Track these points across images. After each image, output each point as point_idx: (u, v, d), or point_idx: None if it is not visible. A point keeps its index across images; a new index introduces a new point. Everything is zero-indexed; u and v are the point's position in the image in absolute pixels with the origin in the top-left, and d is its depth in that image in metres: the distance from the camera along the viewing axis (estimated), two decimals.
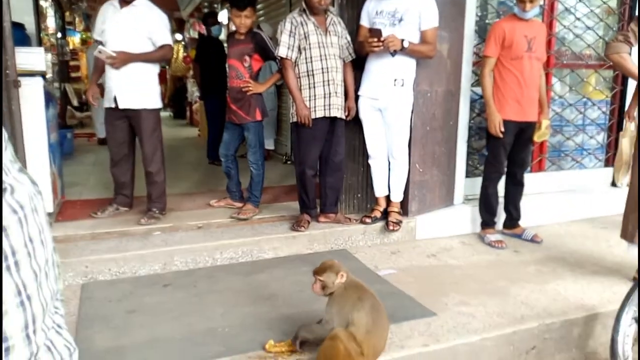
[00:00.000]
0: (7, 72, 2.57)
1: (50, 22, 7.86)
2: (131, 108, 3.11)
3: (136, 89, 3.09)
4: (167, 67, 12.34)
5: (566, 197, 3.96)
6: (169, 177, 3.47)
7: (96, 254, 2.75)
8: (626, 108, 3.63)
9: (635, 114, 3.18)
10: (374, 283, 2.69)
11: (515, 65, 3.20)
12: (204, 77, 5.23)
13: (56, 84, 7.81)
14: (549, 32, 3.86)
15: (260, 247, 3.05)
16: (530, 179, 3.72)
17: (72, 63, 9.68)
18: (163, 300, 2.49)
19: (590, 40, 4.13)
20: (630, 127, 3.33)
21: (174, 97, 11.24)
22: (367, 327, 1.84)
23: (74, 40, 10.52)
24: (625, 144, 3.44)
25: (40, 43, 6.06)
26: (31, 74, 2.90)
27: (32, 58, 2.91)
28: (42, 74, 3.02)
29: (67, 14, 10.02)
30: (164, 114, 12.35)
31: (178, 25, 12.93)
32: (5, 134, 0.74)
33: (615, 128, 4.28)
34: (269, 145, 5.38)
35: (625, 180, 3.54)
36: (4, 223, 0.71)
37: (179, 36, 12.39)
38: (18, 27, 4.67)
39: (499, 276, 2.86)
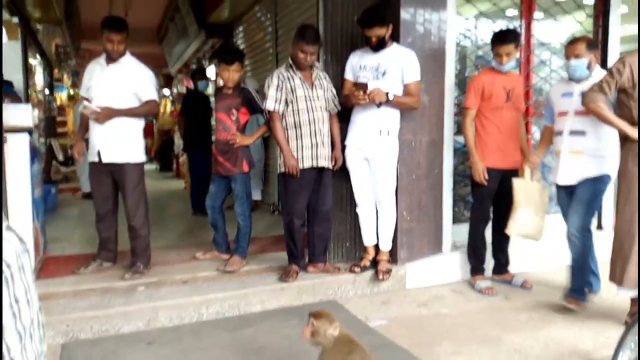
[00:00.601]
0: None
1: (39, 79, 7.97)
2: (115, 162, 3.11)
3: (120, 143, 3.10)
4: (154, 120, 12.49)
5: (553, 242, 3.97)
6: (154, 230, 3.43)
7: (78, 312, 2.66)
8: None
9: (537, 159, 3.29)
10: (365, 334, 2.63)
11: (495, 115, 3.30)
12: (189, 130, 5.28)
13: (42, 139, 7.82)
14: (526, 83, 4.01)
15: (248, 301, 2.98)
16: None
17: (59, 119, 9.73)
18: (146, 358, 2.40)
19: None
20: (527, 172, 3.22)
21: (161, 150, 11.29)
22: None
23: (62, 96, 10.62)
24: (518, 189, 3.19)
25: (28, 99, 6.12)
26: (17, 130, 2.90)
27: (19, 114, 2.93)
28: (29, 130, 3.02)
29: (56, 70, 10.19)
30: (151, 167, 12.37)
31: (166, 81, 13.21)
32: None
33: None
34: (256, 195, 5.37)
35: (516, 229, 3.20)
36: None
37: (166, 91, 12.63)
38: (7, 84, 4.74)
39: (491, 324, 2.82)
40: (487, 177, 3.26)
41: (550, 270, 3.78)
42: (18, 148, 2.91)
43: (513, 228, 3.20)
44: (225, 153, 3.32)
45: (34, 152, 3.19)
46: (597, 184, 2.97)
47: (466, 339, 2.63)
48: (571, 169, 3.01)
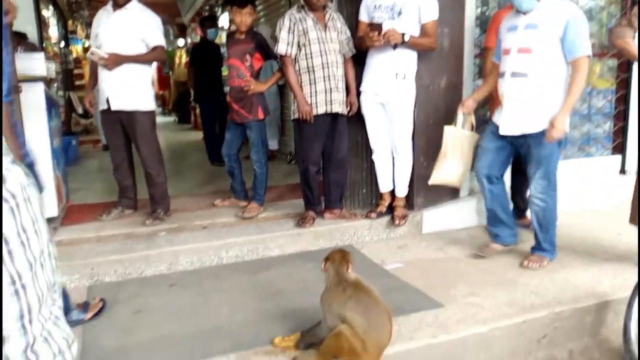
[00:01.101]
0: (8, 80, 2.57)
1: (53, 32, 7.92)
2: (124, 110, 3.11)
3: (128, 90, 3.09)
4: (170, 72, 12.41)
5: (573, 186, 3.90)
6: (174, 180, 3.48)
7: (102, 256, 2.75)
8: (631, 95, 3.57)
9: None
10: (380, 277, 2.68)
11: None
12: (199, 80, 5.24)
13: (61, 92, 7.86)
14: None
15: (266, 245, 3.04)
16: None
17: (76, 71, 9.73)
18: (169, 300, 2.48)
19: (593, 29, 4.08)
20: (459, 117, 2.93)
21: (178, 102, 11.28)
22: (363, 327, 1.81)
23: (77, 48, 10.57)
24: (447, 136, 2.94)
25: (43, 52, 6.11)
26: (32, 79, 2.90)
27: (33, 63, 2.92)
28: (43, 80, 3.02)
29: (70, 22, 10.09)
30: (169, 119, 12.41)
31: (180, 30, 12.99)
32: None
33: (621, 116, 4.23)
34: (273, 145, 5.37)
35: (438, 178, 2.96)
36: None
37: (181, 42, 12.45)
38: (20, 36, 4.70)
39: (507, 267, 2.83)
40: None
41: (569, 214, 3.73)
42: (34, 97, 2.92)
43: (435, 178, 2.97)
44: (239, 100, 3.29)
45: (50, 103, 3.21)
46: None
47: (482, 281, 2.64)
48: (514, 118, 2.67)
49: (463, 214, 3.56)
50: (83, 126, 8.10)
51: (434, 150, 3.38)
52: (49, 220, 3.07)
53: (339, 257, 1.97)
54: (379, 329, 1.84)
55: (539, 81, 2.60)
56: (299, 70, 3.07)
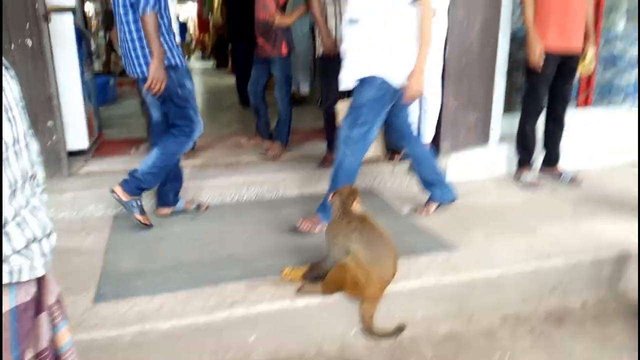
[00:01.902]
0: (36, 6, 2.61)
1: None
2: None
3: None
4: (210, 15, 12.28)
5: (613, 138, 3.69)
6: (204, 120, 3.50)
7: None
8: None
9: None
10: (396, 220, 2.67)
11: None
12: (232, 19, 5.15)
13: (101, 33, 7.96)
14: None
15: (286, 185, 3.06)
16: (575, 115, 3.49)
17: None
18: (190, 230, 2.57)
19: None
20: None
21: (217, 46, 11.22)
22: (366, 259, 1.82)
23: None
24: (340, 112, 2.67)
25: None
26: (61, 9, 2.94)
27: None
28: (72, 10, 3.05)
29: None
30: (208, 63, 12.43)
31: None
32: None
33: None
34: (304, 88, 5.30)
35: None
36: None
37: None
38: None
39: (531, 215, 2.75)
40: (544, 59, 2.98)
41: (605, 168, 3.56)
42: (63, 27, 2.97)
43: None
44: (264, 34, 3.24)
45: (79, 34, 3.25)
46: (366, 87, 2.31)
47: (502, 227, 2.59)
48: (347, 68, 2.38)
49: (491, 161, 3.45)
50: (122, 67, 8.22)
51: (465, 92, 3.27)
52: (81, 153, 3.20)
53: (347, 191, 1.97)
54: (383, 263, 1.85)
55: (372, 29, 2.27)
56: (324, 2, 2.96)
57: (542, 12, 2.99)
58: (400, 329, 1.93)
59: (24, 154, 0.83)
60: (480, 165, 3.41)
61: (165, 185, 2.65)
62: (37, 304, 0.90)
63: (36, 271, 0.86)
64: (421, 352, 1.86)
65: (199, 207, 2.77)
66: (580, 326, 2.03)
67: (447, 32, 3.01)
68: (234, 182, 2.99)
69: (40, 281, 0.90)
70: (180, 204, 2.73)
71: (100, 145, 3.65)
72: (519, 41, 3.51)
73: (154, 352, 1.74)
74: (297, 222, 2.51)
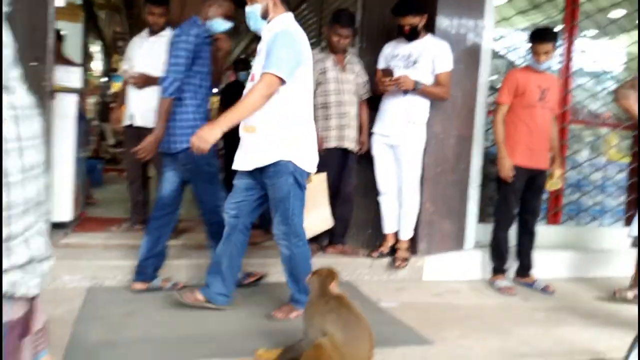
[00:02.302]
0: (45, 83, 2.79)
1: (97, 66, 8.46)
2: (146, 127, 3.29)
3: (153, 108, 3.27)
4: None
5: (582, 254, 3.86)
6: (186, 206, 3.58)
7: (105, 261, 2.83)
8: None
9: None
10: (374, 312, 2.67)
11: (527, 114, 3.28)
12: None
13: (96, 122, 8.27)
14: (565, 88, 3.96)
15: (267, 270, 3.07)
16: (545, 232, 3.69)
17: (112, 105, 10.23)
18: (163, 307, 2.52)
19: (609, 99, 4.20)
20: None
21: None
22: (342, 341, 1.81)
23: (118, 84, 11.19)
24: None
25: (86, 84, 6.51)
26: (67, 90, 3.13)
27: (70, 76, 3.17)
28: (77, 92, 3.25)
29: (115, 56, 10.73)
30: None
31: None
32: (9, 37, 0.84)
33: (635, 188, 4.24)
34: None
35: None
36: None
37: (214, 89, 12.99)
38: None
39: (504, 318, 2.78)
40: (513, 174, 3.23)
41: (576, 280, 3.68)
42: (66, 107, 3.14)
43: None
44: None
45: (81, 116, 3.43)
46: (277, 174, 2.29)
47: (476, 327, 2.61)
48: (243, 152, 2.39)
49: (466, 266, 3.54)
50: (112, 154, 8.43)
51: (441, 197, 3.46)
52: (62, 225, 3.20)
53: (325, 272, 2.02)
54: (359, 346, 1.84)
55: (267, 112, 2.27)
56: (315, 105, 3.23)
57: (511, 132, 3.30)
58: None
59: (40, 181, 0.90)
60: (455, 269, 3.50)
61: (147, 260, 2.65)
62: (25, 325, 0.91)
63: (31, 289, 0.88)
64: None
65: (174, 285, 2.74)
66: None
67: (426, 142, 3.27)
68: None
69: (31, 303, 0.92)
70: (157, 281, 2.71)
71: (82, 221, 3.65)
72: (491, 157, 3.81)
73: None
74: (273, 312, 2.50)
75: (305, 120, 2.38)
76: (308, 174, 2.41)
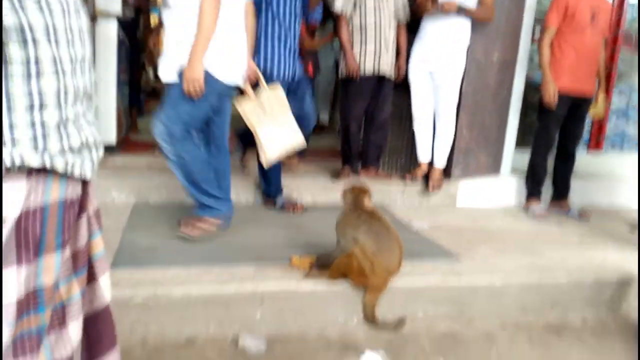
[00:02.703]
0: (86, 7, 2.85)
1: None
2: None
3: None
4: None
5: (621, 182, 3.76)
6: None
7: (149, 180, 2.98)
8: None
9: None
10: (405, 232, 2.73)
11: (576, 37, 3.12)
12: None
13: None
14: (619, 11, 3.71)
15: (300, 192, 3.16)
16: (585, 159, 3.60)
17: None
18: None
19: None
20: (249, 90, 2.49)
21: None
22: (373, 249, 1.90)
23: (155, 17, 11.15)
24: (246, 114, 2.48)
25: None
26: (108, 15, 3.18)
27: (111, 1, 3.20)
28: (117, 17, 3.29)
29: None
30: None
31: None
32: None
33: None
34: (324, 116, 5.50)
35: (271, 154, 2.52)
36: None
37: None
38: None
39: (537, 241, 2.81)
40: (557, 100, 3.13)
41: (614, 209, 3.62)
42: (107, 32, 3.20)
43: (266, 157, 2.55)
44: None
45: (121, 41, 3.49)
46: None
47: (506, 248, 2.65)
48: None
49: (501, 192, 3.53)
50: (152, 87, 8.56)
51: (479, 125, 3.41)
52: (107, 148, 3.37)
53: (358, 188, 2.08)
54: (389, 255, 1.93)
55: (171, 29, 2.19)
56: (352, 28, 3.17)
57: (558, 56, 3.16)
58: (401, 323, 1.98)
59: (88, 74, 0.96)
60: (490, 194, 3.50)
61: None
62: (81, 206, 1.01)
63: (86, 172, 0.97)
64: (419, 344, 1.90)
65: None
66: (578, 338, 2.05)
67: (465, 69, 3.18)
68: (248, 184, 3.11)
69: (84, 187, 1.01)
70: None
71: (126, 144, 3.82)
72: (535, 85, 3.68)
73: (163, 316, 1.81)
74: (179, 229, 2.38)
75: (228, 30, 2.21)
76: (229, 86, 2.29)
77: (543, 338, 2.03)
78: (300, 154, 3.56)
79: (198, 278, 1.93)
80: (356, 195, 2.06)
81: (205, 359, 1.70)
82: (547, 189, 3.42)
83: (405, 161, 3.62)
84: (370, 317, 1.96)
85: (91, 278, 1.05)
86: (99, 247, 1.09)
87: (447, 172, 3.40)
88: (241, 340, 1.79)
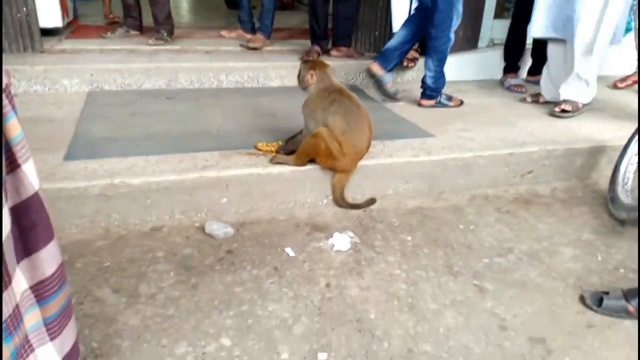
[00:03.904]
0: None
1: None
2: None
3: None
4: None
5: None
6: (185, 17, 3.36)
7: (103, 64, 2.76)
8: None
9: None
10: (378, 110, 2.64)
11: None
12: None
13: None
14: None
15: (267, 74, 2.99)
16: None
17: None
18: (165, 109, 2.52)
19: None
20: None
21: None
22: (342, 128, 1.81)
23: None
24: None
25: None
26: None
27: None
28: None
29: None
30: None
31: None
32: None
33: None
34: None
35: None
36: None
37: None
38: None
39: (510, 113, 2.74)
40: None
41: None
42: None
43: None
44: None
45: None
46: None
47: (480, 121, 2.58)
48: None
49: (478, 66, 3.39)
50: None
51: None
52: (53, 32, 3.07)
53: (321, 63, 1.93)
54: (358, 132, 1.84)
55: None
56: None
57: None
58: (371, 202, 1.96)
59: None
60: (465, 69, 3.36)
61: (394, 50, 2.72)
62: None
63: None
64: (388, 221, 1.90)
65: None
66: (546, 209, 2.08)
67: None
68: (213, 67, 2.91)
69: None
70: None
71: (76, 29, 3.50)
72: None
73: (123, 205, 1.75)
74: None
75: None
76: None
77: (511, 209, 2.05)
78: (268, 33, 3.31)
79: (158, 167, 1.84)
80: (321, 74, 1.91)
81: (172, 245, 1.68)
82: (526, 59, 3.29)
83: (379, 34, 3.39)
84: (339, 199, 1.93)
85: (13, 165, 0.94)
86: (15, 130, 0.97)
87: (422, 47, 3.21)
88: (207, 227, 1.75)
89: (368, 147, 1.92)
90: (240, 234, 1.76)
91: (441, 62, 2.65)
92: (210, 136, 2.19)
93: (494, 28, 3.45)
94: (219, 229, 1.74)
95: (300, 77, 1.95)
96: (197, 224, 1.80)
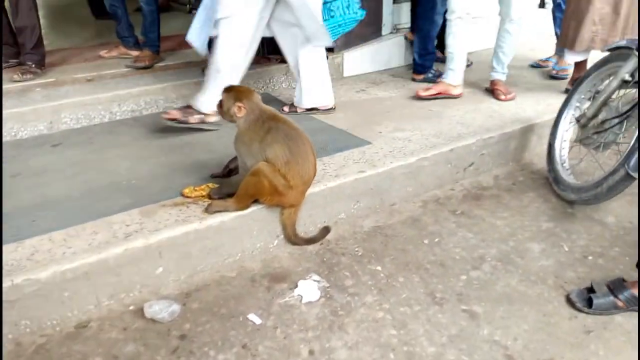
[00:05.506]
0: None
1: None
2: None
3: None
4: None
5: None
6: (52, 37, 2.84)
7: None
8: None
9: None
10: (301, 121, 2.41)
11: None
12: None
13: None
14: None
15: (167, 96, 2.63)
16: None
17: None
18: (53, 161, 2.09)
19: None
20: None
21: None
22: (285, 159, 1.59)
23: None
24: None
25: None
26: None
27: None
28: None
29: None
30: None
31: None
32: None
33: None
34: None
35: None
36: None
37: None
38: None
39: (432, 104, 2.67)
40: None
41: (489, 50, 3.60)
42: None
43: None
44: None
45: None
46: None
47: (407, 116, 2.48)
48: None
49: (386, 54, 3.30)
50: None
51: None
52: None
53: (246, 91, 1.67)
54: (302, 160, 1.62)
55: None
56: None
57: None
58: (325, 231, 1.77)
59: None
60: (375, 59, 3.26)
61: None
62: None
63: None
64: (350, 250, 1.72)
65: None
66: (497, 201, 2.03)
67: None
68: (101, 99, 2.49)
69: None
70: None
71: None
72: None
73: (33, 306, 1.37)
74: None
75: None
76: None
77: (465, 210, 1.97)
78: (156, 48, 2.93)
79: (67, 246, 1.48)
80: (252, 104, 1.65)
81: (108, 344, 1.35)
82: None
83: None
84: (292, 236, 1.71)
85: None
86: None
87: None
88: (146, 310, 1.44)
89: (315, 174, 1.70)
90: (189, 309, 1.48)
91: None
92: (121, 189, 1.83)
93: (395, 13, 3.38)
94: (161, 310, 1.44)
95: (224, 110, 1.67)
96: (131, 308, 1.48)
